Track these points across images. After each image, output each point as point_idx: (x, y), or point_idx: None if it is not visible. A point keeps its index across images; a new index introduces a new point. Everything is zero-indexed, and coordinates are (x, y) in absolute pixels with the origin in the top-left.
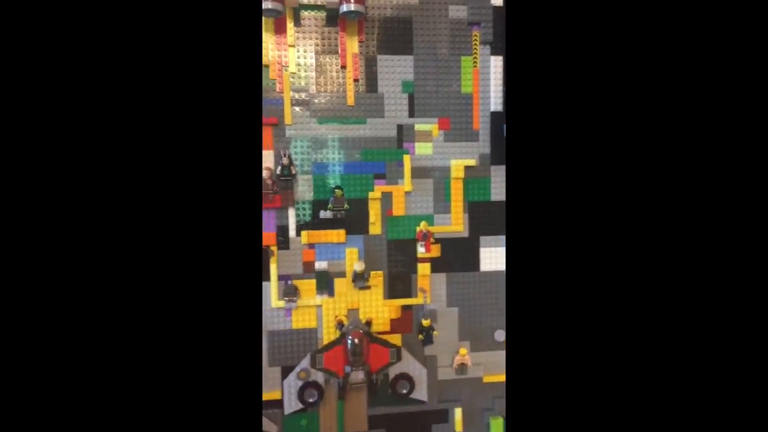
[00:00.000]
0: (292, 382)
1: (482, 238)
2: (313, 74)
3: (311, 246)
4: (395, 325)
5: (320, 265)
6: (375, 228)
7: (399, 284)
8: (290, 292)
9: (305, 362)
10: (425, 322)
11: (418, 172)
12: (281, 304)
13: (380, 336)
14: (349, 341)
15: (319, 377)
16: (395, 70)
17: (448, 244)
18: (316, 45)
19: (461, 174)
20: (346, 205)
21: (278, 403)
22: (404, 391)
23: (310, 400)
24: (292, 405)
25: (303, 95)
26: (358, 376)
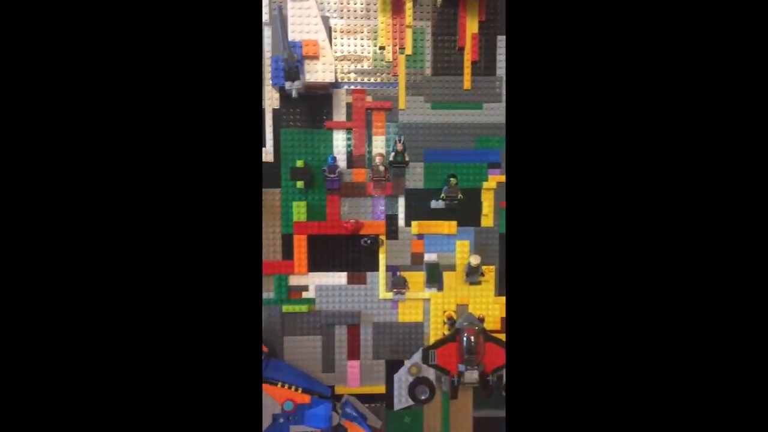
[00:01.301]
0: (403, 377)
1: None
2: (430, 56)
3: (420, 237)
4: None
5: (429, 257)
6: (487, 220)
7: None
8: (399, 284)
9: (417, 357)
10: None
11: None
12: (389, 295)
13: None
14: (465, 338)
15: (430, 374)
16: None
17: None
18: (434, 25)
19: None
20: (459, 195)
21: (382, 397)
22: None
23: (422, 398)
24: (402, 401)
25: (418, 78)
26: (472, 375)
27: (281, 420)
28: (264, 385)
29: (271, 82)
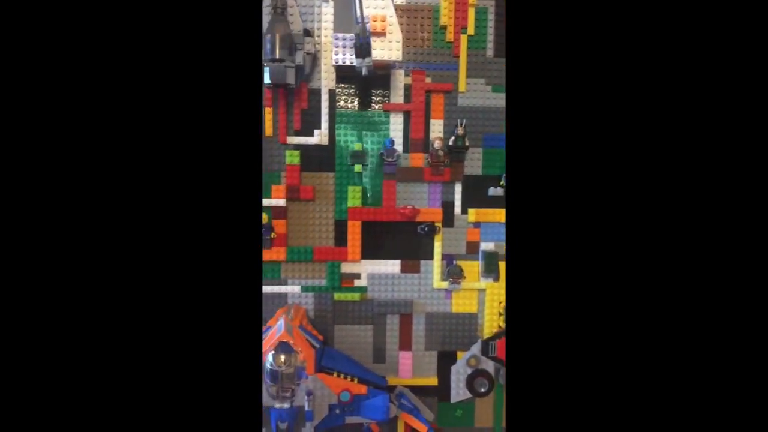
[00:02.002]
0: (461, 369)
1: None
2: (492, 37)
3: (477, 225)
4: None
5: (486, 246)
6: None
7: None
8: (455, 273)
9: (475, 349)
10: None
11: None
12: (444, 285)
13: None
14: None
15: (489, 366)
16: None
17: None
18: (498, 5)
19: None
20: None
21: (435, 389)
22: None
23: (481, 390)
24: (459, 393)
25: (480, 60)
26: None
27: (337, 411)
28: (319, 375)
29: (333, 60)
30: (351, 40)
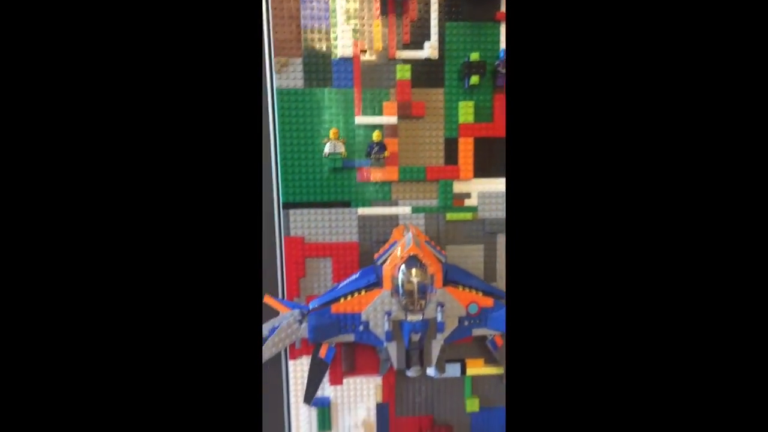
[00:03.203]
0: None
1: None
2: None
3: None
4: None
5: None
6: None
7: None
8: None
9: None
10: None
11: None
12: None
13: None
14: None
15: None
16: None
17: None
18: None
19: None
20: None
21: None
22: None
23: None
24: None
25: None
26: None
27: (465, 323)
28: (447, 288)
29: None
30: None
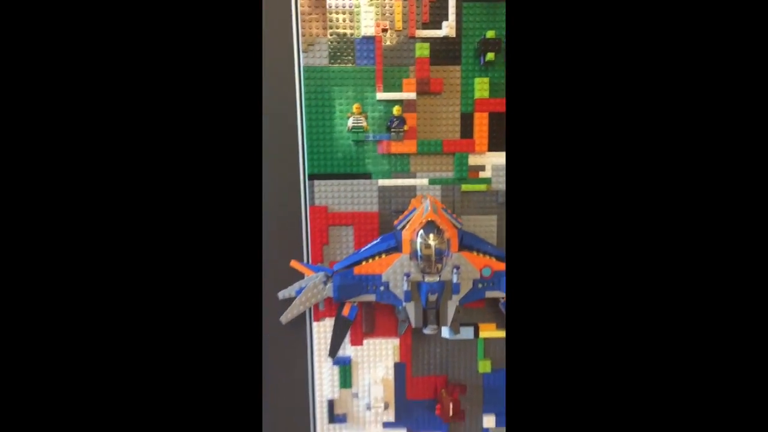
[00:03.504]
0: None
1: None
2: None
3: None
4: None
5: None
6: None
7: None
8: None
9: None
10: None
11: None
12: None
13: None
14: None
15: None
16: None
17: None
18: None
19: None
20: None
21: None
22: None
23: None
24: None
25: None
26: None
27: (480, 285)
28: (463, 253)
29: None
30: None
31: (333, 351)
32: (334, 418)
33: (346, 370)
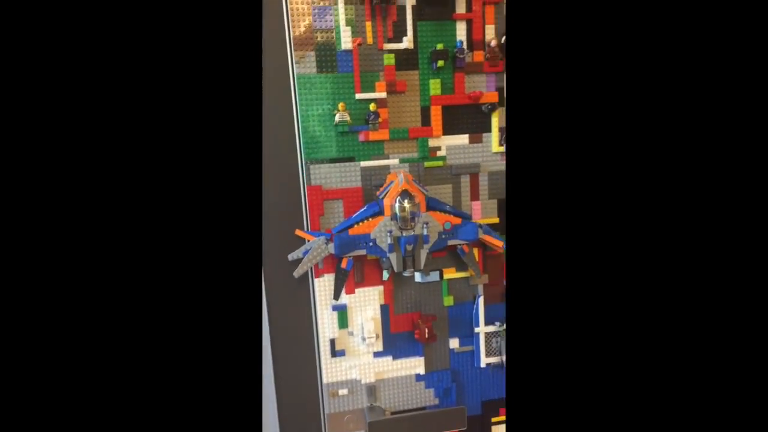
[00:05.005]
0: None
1: None
2: None
3: None
4: None
5: None
6: None
7: None
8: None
9: None
10: None
11: None
12: (500, 149)
13: None
14: None
15: None
16: None
17: None
18: None
19: None
20: None
21: (497, 225)
22: None
23: None
24: None
25: None
26: None
27: (443, 236)
28: (430, 212)
29: None
30: None
31: (336, 295)
32: (335, 353)
33: (343, 314)
